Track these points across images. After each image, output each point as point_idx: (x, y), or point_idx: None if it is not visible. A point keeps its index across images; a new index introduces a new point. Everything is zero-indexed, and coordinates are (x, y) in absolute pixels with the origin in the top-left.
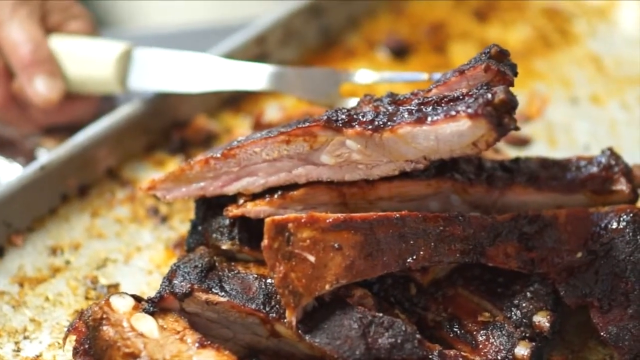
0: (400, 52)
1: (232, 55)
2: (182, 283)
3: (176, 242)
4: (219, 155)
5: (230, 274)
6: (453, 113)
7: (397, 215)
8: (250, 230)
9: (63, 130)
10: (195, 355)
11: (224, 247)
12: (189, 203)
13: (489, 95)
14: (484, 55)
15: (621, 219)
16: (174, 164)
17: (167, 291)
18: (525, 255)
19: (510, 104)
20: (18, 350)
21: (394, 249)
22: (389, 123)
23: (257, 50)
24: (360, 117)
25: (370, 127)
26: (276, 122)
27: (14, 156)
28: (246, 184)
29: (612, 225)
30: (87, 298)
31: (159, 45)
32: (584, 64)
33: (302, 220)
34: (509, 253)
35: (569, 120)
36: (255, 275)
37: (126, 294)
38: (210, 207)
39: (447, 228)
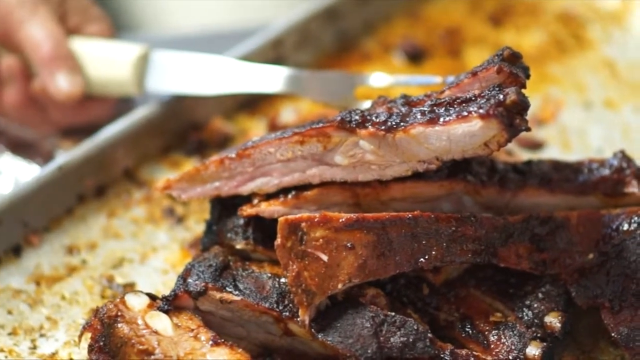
0: (416, 57)
1: (248, 58)
2: (197, 282)
3: (191, 242)
4: (233, 156)
5: (244, 273)
6: (465, 113)
7: (410, 215)
8: (264, 230)
9: (81, 132)
10: (209, 352)
11: (238, 246)
12: (204, 204)
13: (501, 96)
14: (496, 57)
15: (632, 220)
16: (190, 166)
17: (182, 290)
18: (537, 256)
19: (521, 104)
20: (34, 347)
21: (407, 249)
22: (401, 124)
23: (273, 53)
24: (373, 117)
25: (383, 127)
26: (291, 124)
27: (32, 157)
28: (260, 184)
29: (623, 227)
30: (103, 297)
31: (176, 48)
32: (598, 69)
33: (315, 220)
34: (520, 254)
35: (583, 125)
36: (269, 274)
37: (141, 292)
38: (225, 207)
39: (459, 228)
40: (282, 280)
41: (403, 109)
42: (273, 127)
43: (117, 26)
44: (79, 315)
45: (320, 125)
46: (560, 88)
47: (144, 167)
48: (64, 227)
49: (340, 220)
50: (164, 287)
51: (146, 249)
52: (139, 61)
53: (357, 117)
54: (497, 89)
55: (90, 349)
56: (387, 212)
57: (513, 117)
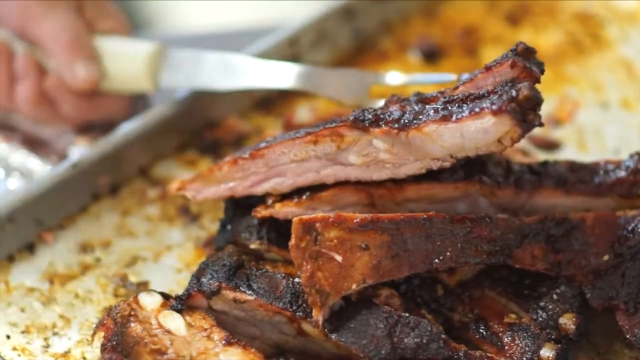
0: (432, 55)
1: (264, 56)
2: (210, 281)
3: (206, 241)
4: (247, 156)
5: (258, 273)
6: (477, 110)
7: (424, 216)
8: (278, 230)
9: (96, 130)
10: (222, 352)
11: (252, 246)
12: (219, 202)
13: (513, 92)
14: (510, 52)
15: None
16: (205, 164)
17: (195, 289)
18: (552, 258)
19: (534, 100)
20: (47, 346)
21: (421, 250)
22: (414, 121)
23: (289, 51)
24: (386, 116)
25: (396, 125)
26: (307, 123)
27: (46, 154)
28: (274, 184)
29: (639, 229)
30: (116, 295)
31: (191, 46)
32: (615, 69)
33: (330, 220)
34: (535, 255)
35: (599, 125)
36: (283, 274)
37: (154, 291)
38: (239, 206)
39: (474, 229)
40: (296, 280)
41: (416, 107)
42: (288, 125)
43: (132, 24)
44: (92, 314)
45: (334, 124)
46: (577, 88)
47: (159, 166)
48: (78, 225)
49: (355, 221)
50: (178, 286)
51: (160, 248)
52: (153, 57)
53: (370, 116)
54: (509, 84)
55: (103, 348)
56: (402, 213)
57: (526, 112)
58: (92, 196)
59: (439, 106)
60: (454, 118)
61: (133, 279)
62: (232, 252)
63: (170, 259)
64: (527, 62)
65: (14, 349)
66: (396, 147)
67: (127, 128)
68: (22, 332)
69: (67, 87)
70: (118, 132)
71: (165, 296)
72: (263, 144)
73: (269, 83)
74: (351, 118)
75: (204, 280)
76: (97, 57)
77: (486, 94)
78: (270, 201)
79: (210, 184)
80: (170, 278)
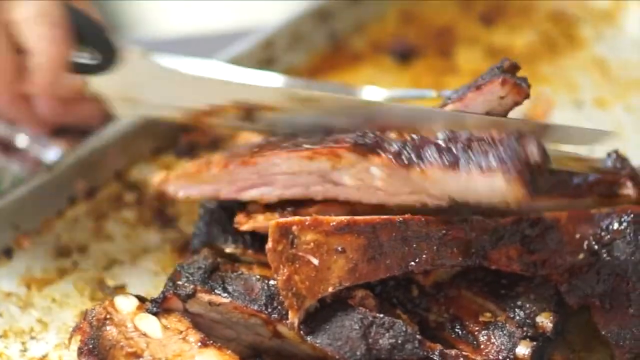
0: (406, 56)
1: (239, 59)
2: (186, 284)
3: (182, 244)
4: (239, 162)
5: (233, 275)
6: (488, 168)
7: (400, 218)
8: (253, 233)
9: (71, 134)
10: (198, 354)
11: (227, 250)
12: (195, 205)
13: (522, 152)
14: (497, 69)
15: (622, 219)
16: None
17: (171, 292)
18: (528, 258)
19: (544, 162)
20: (25, 350)
21: (397, 253)
22: (417, 161)
23: (263, 54)
24: (386, 145)
25: (398, 160)
26: None
27: (22, 159)
28: (261, 193)
29: (613, 226)
30: (93, 299)
31: (166, 50)
32: (589, 68)
33: (306, 223)
34: (511, 256)
35: (574, 124)
36: (258, 277)
37: (130, 294)
38: (215, 210)
39: (449, 232)
40: (271, 282)
41: (415, 138)
42: None
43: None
44: (69, 318)
45: (332, 145)
46: (551, 87)
47: (135, 169)
48: (55, 230)
49: (331, 224)
50: (155, 289)
51: (137, 251)
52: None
53: (370, 142)
54: (516, 137)
55: (80, 351)
56: (378, 216)
57: (537, 179)
58: (68, 200)
59: (441, 143)
60: (461, 168)
61: (110, 282)
62: (208, 255)
63: (147, 262)
64: (516, 78)
65: None
66: (393, 179)
67: (103, 132)
68: (0, 337)
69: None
70: (94, 136)
71: (141, 299)
72: (256, 150)
73: (251, 97)
74: (351, 141)
75: (179, 283)
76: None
77: (491, 142)
78: (251, 210)
79: (195, 182)
80: (147, 281)
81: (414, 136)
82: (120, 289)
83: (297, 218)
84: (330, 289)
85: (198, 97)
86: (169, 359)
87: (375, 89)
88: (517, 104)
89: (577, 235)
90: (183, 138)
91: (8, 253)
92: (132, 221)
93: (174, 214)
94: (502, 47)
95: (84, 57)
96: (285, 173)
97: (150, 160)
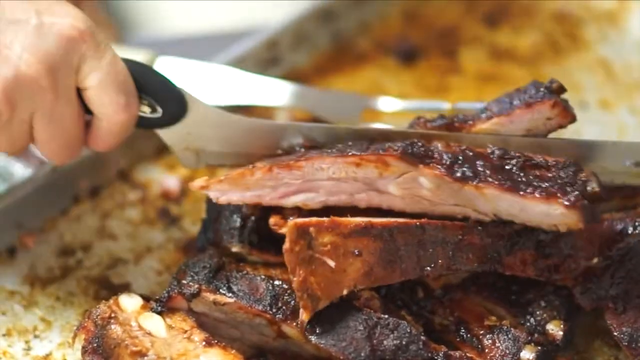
0: (410, 57)
1: (243, 59)
2: (190, 283)
3: (187, 243)
4: (284, 165)
5: (238, 275)
6: (547, 195)
7: (417, 222)
8: (260, 233)
9: None
10: (202, 353)
11: (233, 249)
12: (199, 204)
13: (583, 184)
14: (545, 89)
15: (636, 223)
16: (184, 169)
17: (175, 291)
18: (542, 263)
19: (601, 196)
20: (28, 349)
21: (413, 257)
22: (473, 177)
23: (267, 54)
24: (436, 155)
25: (451, 173)
26: None
27: (26, 157)
28: (305, 198)
29: (628, 231)
30: (97, 298)
31: (170, 50)
32: (593, 69)
33: (324, 225)
34: (526, 261)
35: (578, 125)
36: (263, 277)
37: (134, 293)
38: (221, 209)
39: (465, 237)
40: (276, 282)
41: (468, 151)
42: None
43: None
44: (73, 317)
45: (381, 152)
46: None
47: (139, 168)
48: (59, 228)
49: (349, 227)
50: (159, 287)
51: (141, 250)
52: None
53: (419, 151)
54: (572, 169)
55: (84, 350)
56: (395, 219)
57: (595, 210)
58: (72, 199)
59: (496, 162)
60: (520, 192)
61: (114, 281)
62: (213, 254)
63: (151, 261)
64: (564, 101)
65: None
66: (442, 190)
67: None
68: (3, 336)
69: None
70: None
71: (146, 298)
72: (301, 155)
73: (261, 101)
74: (400, 149)
75: (184, 282)
76: None
77: (548, 166)
78: (288, 213)
79: (238, 187)
80: (151, 280)
81: (465, 150)
82: (124, 288)
83: (314, 219)
84: (345, 291)
85: (263, 143)
86: (174, 358)
87: (390, 100)
88: (561, 126)
89: (592, 240)
90: None
91: (12, 252)
92: (136, 220)
93: (178, 213)
94: (506, 47)
95: (148, 112)
96: (331, 179)
97: (154, 160)
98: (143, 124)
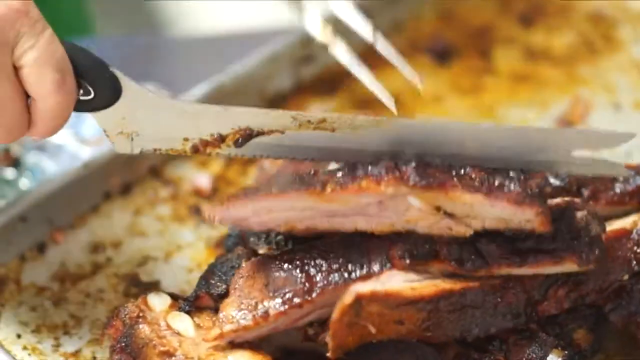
0: (444, 56)
1: (277, 57)
2: (218, 283)
3: (217, 241)
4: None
5: None
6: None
7: (461, 289)
8: (286, 235)
9: None
10: (230, 354)
11: (260, 251)
12: None
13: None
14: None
15: None
16: (217, 164)
17: (203, 290)
18: (576, 294)
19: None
20: (57, 345)
21: (453, 323)
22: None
23: (301, 52)
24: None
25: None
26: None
27: (57, 154)
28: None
29: None
30: (127, 295)
31: (205, 48)
32: (627, 70)
33: (378, 296)
34: (560, 298)
35: (612, 127)
36: None
37: (163, 292)
38: None
39: (502, 299)
40: None
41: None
42: None
43: (147, 25)
44: (103, 314)
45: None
46: (590, 89)
47: (170, 165)
48: (89, 225)
49: (398, 299)
50: (189, 286)
51: (171, 248)
52: None
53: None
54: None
55: (112, 349)
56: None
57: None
58: (103, 196)
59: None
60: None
61: (144, 278)
62: (241, 254)
63: (182, 259)
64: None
65: (25, 348)
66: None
67: None
68: (33, 332)
69: None
70: None
71: (174, 297)
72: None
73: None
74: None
75: (212, 281)
76: None
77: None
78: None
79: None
80: (181, 278)
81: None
82: (154, 286)
83: (369, 289)
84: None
85: (199, 128)
86: (202, 358)
87: None
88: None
89: (619, 256)
90: None
91: (42, 248)
92: (167, 217)
93: None
94: (540, 48)
95: (80, 93)
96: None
97: (186, 157)
98: (76, 107)
